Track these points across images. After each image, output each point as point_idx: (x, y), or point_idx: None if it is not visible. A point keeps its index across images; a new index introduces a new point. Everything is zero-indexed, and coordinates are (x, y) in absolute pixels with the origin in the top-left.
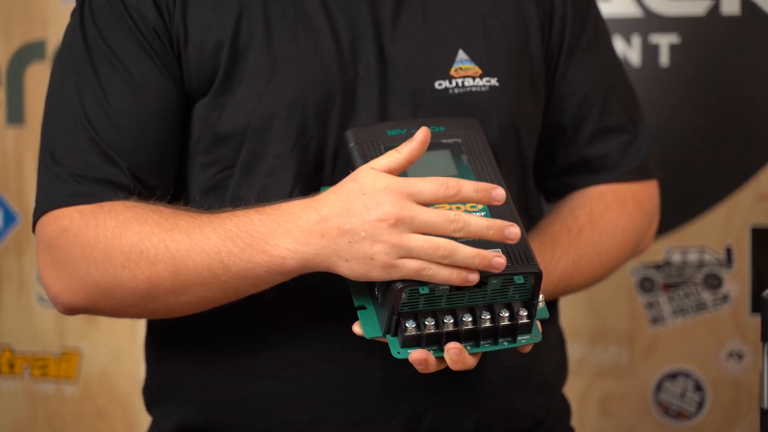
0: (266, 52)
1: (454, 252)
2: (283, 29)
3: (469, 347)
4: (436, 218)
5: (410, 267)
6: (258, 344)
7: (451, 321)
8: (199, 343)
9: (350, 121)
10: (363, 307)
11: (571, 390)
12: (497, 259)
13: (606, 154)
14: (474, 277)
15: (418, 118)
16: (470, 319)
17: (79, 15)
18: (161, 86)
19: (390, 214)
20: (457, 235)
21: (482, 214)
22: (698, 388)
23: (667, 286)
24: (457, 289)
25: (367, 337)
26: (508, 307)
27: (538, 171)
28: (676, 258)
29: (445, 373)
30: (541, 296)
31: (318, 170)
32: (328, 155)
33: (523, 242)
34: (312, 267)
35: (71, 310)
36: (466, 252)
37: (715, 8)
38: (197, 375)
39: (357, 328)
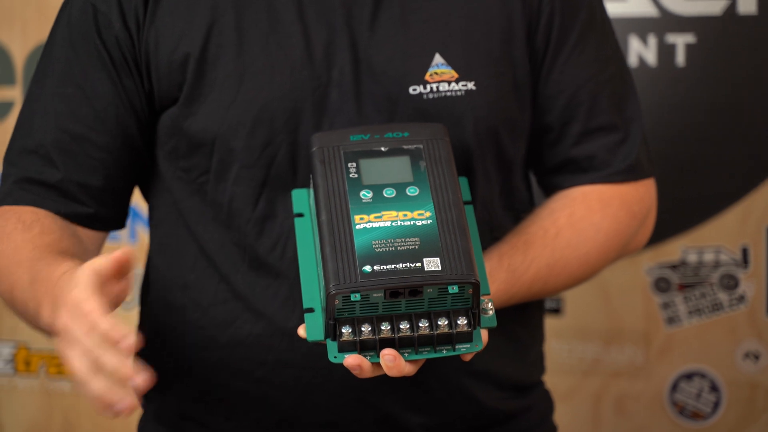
0: (235, 62)
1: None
2: (254, 38)
3: (406, 354)
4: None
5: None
6: (232, 344)
7: (388, 327)
8: (180, 340)
9: (324, 126)
10: (311, 310)
11: (586, 390)
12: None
13: (594, 154)
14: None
15: (385, 124)
16: (407, 326)
17: (60, 14)
18: (110, 94)
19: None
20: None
21: (429, 222)
22: (714, 388)
23: (683, 286)
24: (391, 297)
25: (309, 339)
26: (447, 315)
27: (533, 170)
28: (692, 258)
29: (413, 376)
30: (490, 304)
31: (291, 177)
32: (300, 162)
33: (465, 251)
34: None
35: None
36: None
37: (731, 7)
38: (176, 369)
39: (301, 331)
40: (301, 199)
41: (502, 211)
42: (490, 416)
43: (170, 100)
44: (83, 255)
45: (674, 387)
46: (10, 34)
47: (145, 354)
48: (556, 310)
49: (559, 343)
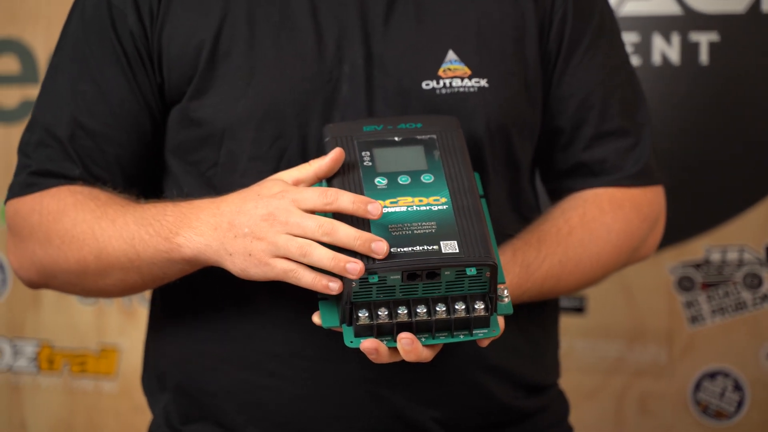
0: (246, 55)
1: (309, 252)
2: (266, 32)
3: (423, 339)
4: (306, 221)
5: (280, 267)
6: (241, 337)
7: (405, 312)
8: (189, 335)
9: (335, 120)
10: (325, 297)
11: (609, 389)
12: (352, 265)
13: (605, 158)
14: (334, 286)
15: (397, 116)
16: (424, 310)
17: (73, 9)
18: (124, 89)
19: (270, 214)
20: (325, 239)
21: (445, 207)
22: (737, 387)
23: (707, 285)
24: (409, 279)
25: (324, 326)
26: (464, 299)
27: (540, 172)
28: (716, 257)
29: (424, 369)
30: (506, 291)
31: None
32: (311, 155)
33: (481, 235)
34: (204, 258)
35: (31, 285)
36: (321, 253)
37: (755, 5)
38: (183, 365)
39: (316, 318)
40: None
41: (510, 211)
42: (505, 413)
43: (179, 93)
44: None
45: (697, 386)
46: (34, 33)
47: (156, 351)
48: (580, 309)
49: (583, 342)
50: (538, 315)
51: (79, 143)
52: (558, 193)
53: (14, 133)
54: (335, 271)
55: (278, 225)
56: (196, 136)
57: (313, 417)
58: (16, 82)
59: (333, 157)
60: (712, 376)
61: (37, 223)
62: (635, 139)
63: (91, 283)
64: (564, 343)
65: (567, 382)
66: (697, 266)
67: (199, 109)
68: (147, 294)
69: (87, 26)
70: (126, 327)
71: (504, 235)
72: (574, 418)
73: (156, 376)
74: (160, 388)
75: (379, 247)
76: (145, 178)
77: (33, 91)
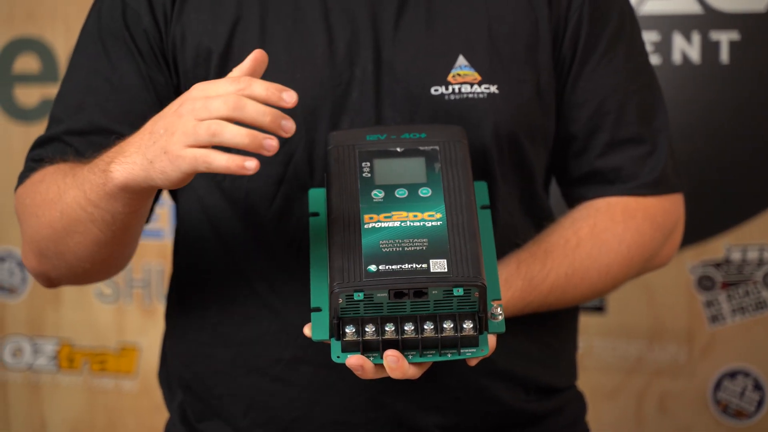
0: None
1: (219, 131)
2: (277, 35)
3: (410, 356)
4: (212, 102)
5: (190, 155)
6: (247, 342)
7: (392, 329)
8: (197, 337)
9: (343, 125)
10: (318, 309)
11: (629, 388)
12: (268, 141)
13: (620, 166)
14: (251, 164)
15: (403, 124)
16: (412, 328)
17: (91, 10)
18: (137, 87)
19: (180, 105)
20: (234, 114)
21: (439, 223)
22: (757, 386)
23: (727, 284)
24: (396, 297)
25: (314, 339)
26: (453, 318)
27: (556, 179)
28: (736, 256)
29: (429, 376)
30: (500, 309)
31: (308, 174)
32: (318, 160)
33: (473, 254)
34: (134, 180)
35: (37, 275)
36: (233, 130)
37: None
38: (191, 366)
39: (307, 330)
40: (318, 199)
41: (523, 217)
42: (514, 417)
43: None
44: None
45: (717, 385)
46: (54, 32)
47: (169, 350)
48: (600, 309)
49: (603, 341)
50: (551, 320)
51: (90, 140)
52: (571, 200)
53: (34, 132)
54: (252, 147)
55: (186, 114)
56: None
57: (317, 422)
58: (36, 82)
59: (253, 58)
60: (732, 375)
61: (26, 201)
62: (652, 146)
63: (64, 247)
64: (583, 343)
65: (586, 381)
66: (718, 266)
67: None
68: (166, 291)
69: (102, 26)
70: (146, 326)
71: (515, 244)
72: (593, 418)
73: (170, 374)
74: (174, 385)
75: (288, 126)
76: None
77: (53, 91)
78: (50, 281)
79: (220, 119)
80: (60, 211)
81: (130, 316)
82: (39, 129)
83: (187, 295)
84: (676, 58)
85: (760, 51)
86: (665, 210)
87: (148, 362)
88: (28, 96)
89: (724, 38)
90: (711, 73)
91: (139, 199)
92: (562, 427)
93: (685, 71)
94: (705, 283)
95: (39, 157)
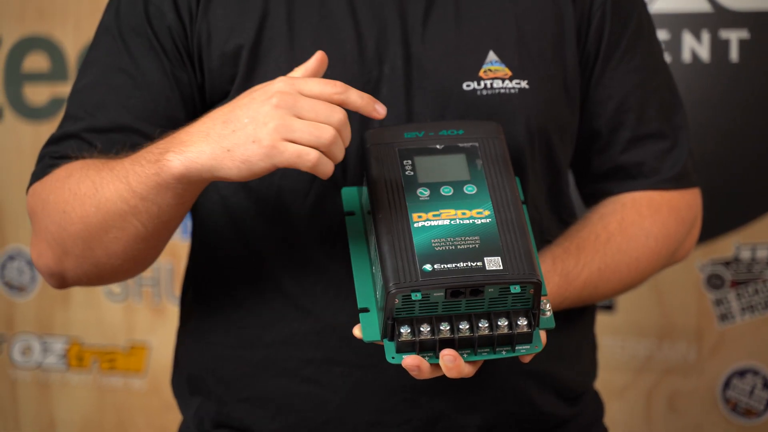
0: (286, 55)
1: (329, 140)
2: (306, 32)
3: (465, 355)
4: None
5: (291, 150)
6: (275, 343)
7: (447, 328)
8: (221, 340)
9: (374, 122)
10: (366, 310)
11: (638, 387)
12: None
13: (643, 161)
14: (329, 168)
15: (438, 121)
16: (467, 326)
17: (108, 7)
18: (160, 84)
19: (275, 94)
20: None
21: (489, 220)
22: (767, 385)
23: (736, 283)
24: (452, 296)
25: (366, 340)
26: (507, 316)
27: (576, 175)
28: (746, 254)
29: (461, 378)
30: (548, 305)
31: (340, 172)
32: (350, 157)
33: (526, 251)
34: (197, 170)
35: (51, 275)
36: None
37: None
38: (215, 370)
39: (357, 331)
40: (352, 198)
41: (549, 213)
42: (543, 420)
43: (222, 93)
44: None
45: (727, 384)
46: (64, 31)
47: (187, 355)
48: (609, 307)
49: (612, 339)
50: (578, 317)
51: (111, 137)
52: (595, 196)
53: (44, 131)
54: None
55: (285, 107)
56: None
57: (350, 424)
58: (46, 80)
59: (318, 58)
60: (741, 374)
61: (49, 197)
62: (673, 141)
63: (96, 244)
64: None
65: (597, 380)
66: (727, 264)
67: None
68: (177, 291)
69: (122, 22)
70: (155, 324)
71: (544, 241)
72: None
73: (186, 380)
74: (191, 391)
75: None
76: None
77: (62, 89)
78: (64, 281)
79: (318, 122)
80: (95, 205)
81: (139, 314)
82: (48, 128)
83: (208, 297)
84: (686, 56)
85: None
86: (688, 204)
87: (157, 361)
88: (38, 95)
89: (734, 37)
90: (720, 72)
91: (192, 190)
92: (583, 429)
93: (694, 70)
94: (714, 282)
95: (58, 153)
